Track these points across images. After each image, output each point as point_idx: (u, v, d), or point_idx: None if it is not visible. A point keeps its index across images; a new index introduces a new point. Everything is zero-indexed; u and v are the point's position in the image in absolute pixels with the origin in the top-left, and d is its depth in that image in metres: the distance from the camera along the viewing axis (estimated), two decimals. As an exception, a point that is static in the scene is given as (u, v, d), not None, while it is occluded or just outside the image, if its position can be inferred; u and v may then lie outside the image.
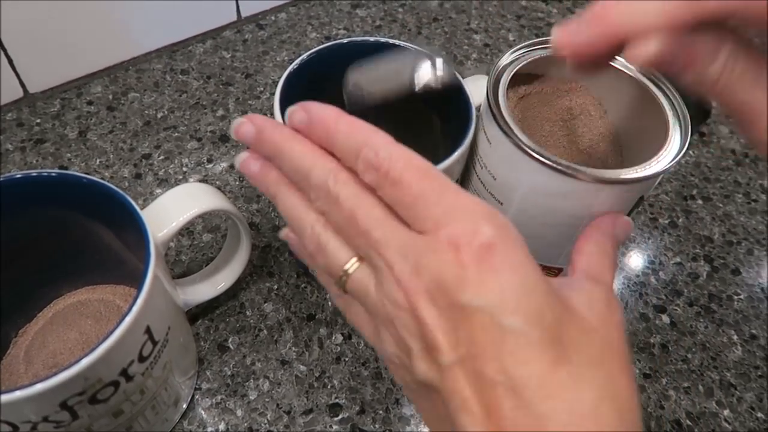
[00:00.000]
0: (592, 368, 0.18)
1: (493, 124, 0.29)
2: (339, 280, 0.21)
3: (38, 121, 0.44)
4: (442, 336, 0.18)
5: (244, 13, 0.52)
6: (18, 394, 0.20)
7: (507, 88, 0.31)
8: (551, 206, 0.30)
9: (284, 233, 0.24)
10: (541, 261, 0.33)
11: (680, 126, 0.30)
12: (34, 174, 0.26)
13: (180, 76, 0.48)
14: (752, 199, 0.45)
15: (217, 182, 0.42)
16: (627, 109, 0.34)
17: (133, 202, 0.26)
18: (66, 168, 0.42)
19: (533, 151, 0.28)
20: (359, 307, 0.22)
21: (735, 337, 0.38)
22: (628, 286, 0.40)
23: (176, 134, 0.44)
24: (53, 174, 0.26)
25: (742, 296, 0.40)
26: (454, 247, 0.18)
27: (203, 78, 0.48)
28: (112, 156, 0.43)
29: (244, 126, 0.22)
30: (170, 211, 0.27)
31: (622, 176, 0.28)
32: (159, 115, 0.45)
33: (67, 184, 0.26)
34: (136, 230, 0.26)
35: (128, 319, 0.23)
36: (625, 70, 0.33)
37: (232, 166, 0.43)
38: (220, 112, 0.46)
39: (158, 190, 0.41)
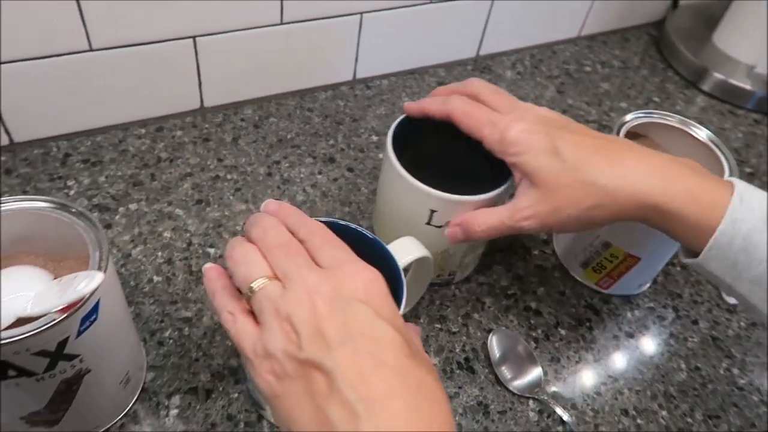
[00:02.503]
0: (426, 367, 0.28)
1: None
2: (250, 288, 0.30)
3: (206, 126, 0.62)
4: (332, 324, 0.27)
5: (358, 76, 0.70)
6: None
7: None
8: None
9: (206, 266, 0.33)
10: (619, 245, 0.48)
11: None
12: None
13: (306, 112, 0.66)
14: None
15: (323, 188, 0.58)
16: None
17: (385, 244, 0.39)
18: (221, 160, 0.59)
19: None
20: (248, 324, 0.30)
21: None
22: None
23: (299, 151, 0.62)
24: (330, 221, 0.38)
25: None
26: (350, 275, 0.29)
27: (322, 116, 0.66)
28: (253, 158, 0.60)
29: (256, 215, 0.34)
30: (404, 251, 0.41)
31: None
32: (288, 137, 0.63)
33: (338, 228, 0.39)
34: (386, 262, 0.39)
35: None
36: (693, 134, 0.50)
37: (335, 179, 0.59)
38: (331, 142, 0.63)
39: (283, 187, 0.58)
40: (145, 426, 0.41)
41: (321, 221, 0.39)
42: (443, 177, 0.43)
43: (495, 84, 0.45)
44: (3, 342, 0.29)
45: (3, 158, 0.55)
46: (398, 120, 0.47)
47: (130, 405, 0.42)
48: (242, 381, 0.44)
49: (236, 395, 0.43)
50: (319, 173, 0.60)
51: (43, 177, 0.55)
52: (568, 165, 0.38)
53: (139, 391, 0.42)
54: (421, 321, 0.50)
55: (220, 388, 0.44)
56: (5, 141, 0.56)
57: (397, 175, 0.44)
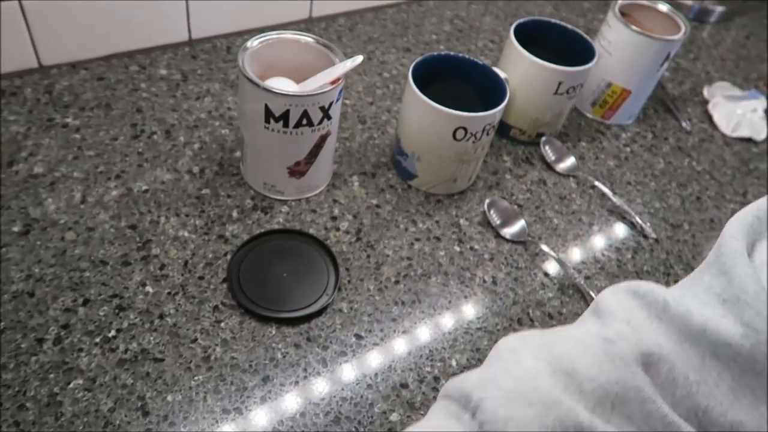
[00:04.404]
0: None
1: (613, 16, 0.72)
2: None
3: (316, 29, 0.86)
4: None
5: (413, -3, 0.95)
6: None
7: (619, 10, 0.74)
8: (630, 55, 0.73)
9: None
10: (618, 82, 0.75)
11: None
12: (453, 54, 0.65)
13: (382, 21, 0.90)
14: (680, 115, 0.86)
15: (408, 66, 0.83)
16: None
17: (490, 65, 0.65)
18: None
19: (626, 24, 0.70)
20: None
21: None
22: (611, 137, 0.80)
23: (385, 45, 0.86)
24: (461, 55, 0.65)
25: (667, 147, 0.80)
26: None
27: (394, 23, 0.90)
28: (355, 49, 0.84)
29: None
30: (501, 73, 0.67)
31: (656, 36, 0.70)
32: (374, 36, 0.87)
33: (462, 60, 0.66)
34: (492, 77, 0.65)
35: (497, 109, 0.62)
36: (659, 9, 0.75)
37: (413, 61, 0.84)
38: (405, 39, 0.88)
39: (381, 66, 0.82)
40: (342, 190, 0.65)
41: (450, 54, 0.64)
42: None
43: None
44: (310, 94, 0.53)
45: (187, 49, 0.77)
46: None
47: (330, 178, 0.65)
48: (392, 166, 0.68)
49: (391, 175, 0.68)
50: (403, 58, 0.84)
51: (218, 60, 0.77)
52: None
53: (332, 173, 0.66)
54: (494, 137, 0.75)
55: (380, 173, 0.68)
56: (186, 37, 0.77)
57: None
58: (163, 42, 0.76)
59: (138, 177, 0.61)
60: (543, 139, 0.74)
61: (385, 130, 0.73)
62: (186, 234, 0.58)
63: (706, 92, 0.91)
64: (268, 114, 0.54)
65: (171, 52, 0.76)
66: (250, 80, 0.53)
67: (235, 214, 0.60)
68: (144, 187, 0.61)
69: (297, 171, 0.60)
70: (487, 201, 0.65)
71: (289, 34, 0.58)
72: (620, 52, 0.74)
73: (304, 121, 0.55)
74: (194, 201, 0.61)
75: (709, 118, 0.86)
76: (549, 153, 0.73)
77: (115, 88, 0.70)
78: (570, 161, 0.73)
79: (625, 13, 0.78)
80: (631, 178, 0.75)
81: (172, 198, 0.60)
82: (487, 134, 0.62)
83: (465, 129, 0.60)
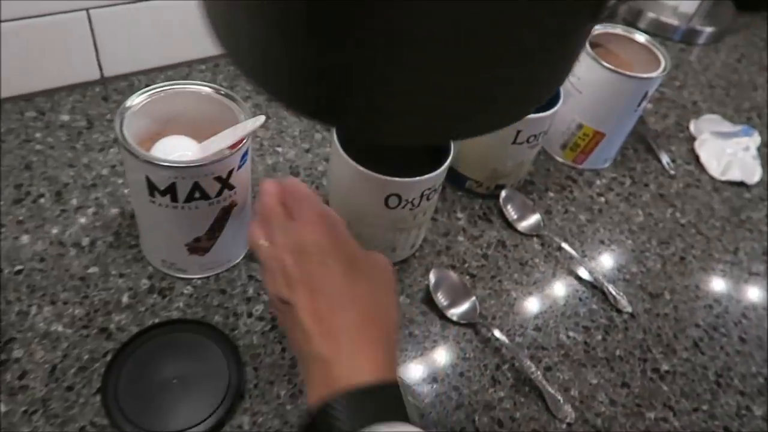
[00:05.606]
0: (365, 281, 0.38)
1: (585, 54, 0.62)
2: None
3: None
4: (293, 268, 0.36)
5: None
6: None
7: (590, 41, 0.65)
8: (602, 94, 0.64)
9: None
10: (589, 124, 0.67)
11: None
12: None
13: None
14: (663, 155, 0.76)
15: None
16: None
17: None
18: (270, 87, 0.73)
19: (597, 59, 0.61)
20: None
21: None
22: (584, 184, 0.70)
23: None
24: None
25: (648, 196, 0.70)
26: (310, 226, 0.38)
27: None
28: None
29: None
30: None
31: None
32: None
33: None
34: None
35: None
36: (635, 39, 0.65)
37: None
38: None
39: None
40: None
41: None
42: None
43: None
44: (199, 164, 0.43)
45: (98, 89, 0.67)
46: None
47: (246, 249, 0.56)
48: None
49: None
50: (350, 94, 0.75)
51: (132, 102, 0.67)
52: None
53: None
54: (447, 190, 0.65)
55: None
56: (97, 75, 0.68)
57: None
58: (70, 82, 0.66)
59: (12, 253, 0.52)
60: (503, 194, 0.64)
61: (321, 184, 0.63)
62: (60, 328, 0.48)
63: (692, 127, 0.81)
64: (152, 187, 0.44)
65: (79, 93, 0.67)
66: (126, 148, 0.43)
67: (125, 299, 0.51)
68: (18, 267, 0.51)
69: (198, 248, 0.50)
70: (432, 280, 0.55)
71: (181, 86, 0.49)
72: (591, 90, 0.65)
73: (197, 194, 0.45)
74: (77, 283, 0.51)
75: (696, 158, 0.77)
76: (510, 211, 0.63)
77: (4, 140, 0.60)
78: (534, 218, 0.64)
79: (597, 44, 0.69)
80: (605, 235, 0.65)
81: (51, 280, 0.51)
82: (428, 199, 0.52)
83: (399, 196, 0.50)
